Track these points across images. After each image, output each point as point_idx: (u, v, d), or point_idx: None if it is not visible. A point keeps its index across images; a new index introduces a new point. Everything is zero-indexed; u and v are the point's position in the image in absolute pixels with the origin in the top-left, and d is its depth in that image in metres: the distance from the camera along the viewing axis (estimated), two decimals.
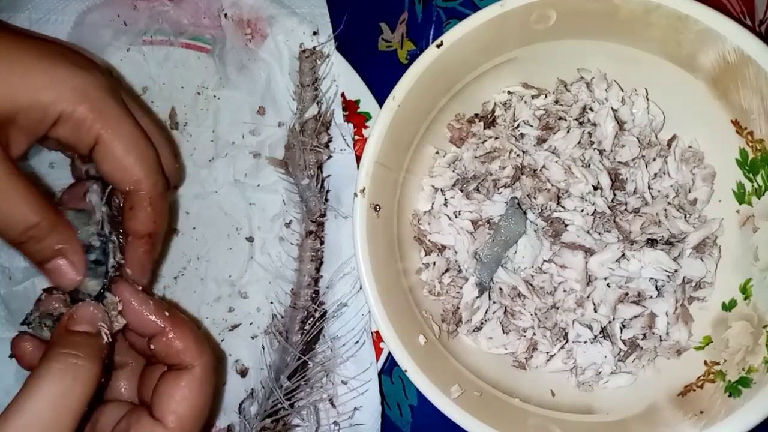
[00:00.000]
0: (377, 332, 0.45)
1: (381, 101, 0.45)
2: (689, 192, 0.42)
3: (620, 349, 0.40)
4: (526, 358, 0.42)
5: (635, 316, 0.40)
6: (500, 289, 0.42)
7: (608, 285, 0.40)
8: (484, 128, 0.44)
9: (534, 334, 0.42)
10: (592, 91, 0.43)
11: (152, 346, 0.37)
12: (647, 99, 0.42)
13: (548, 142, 0.42)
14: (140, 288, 0.38)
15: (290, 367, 0.45)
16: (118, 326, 0.37)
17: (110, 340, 0.36)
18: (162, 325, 0.37)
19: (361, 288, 0.39)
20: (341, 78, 0.48)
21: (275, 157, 0.48)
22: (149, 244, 0.41)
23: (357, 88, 0.48)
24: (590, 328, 0.40)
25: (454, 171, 0.44)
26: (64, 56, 0.37)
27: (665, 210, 0.41)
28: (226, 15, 0.49)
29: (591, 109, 0.43)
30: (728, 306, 0.40)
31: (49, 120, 0.36)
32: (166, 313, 0.37)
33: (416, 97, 0.39)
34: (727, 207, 0.41)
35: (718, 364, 0.38)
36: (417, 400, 0.47)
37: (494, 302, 0.42)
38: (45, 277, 0.38)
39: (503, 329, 0.42)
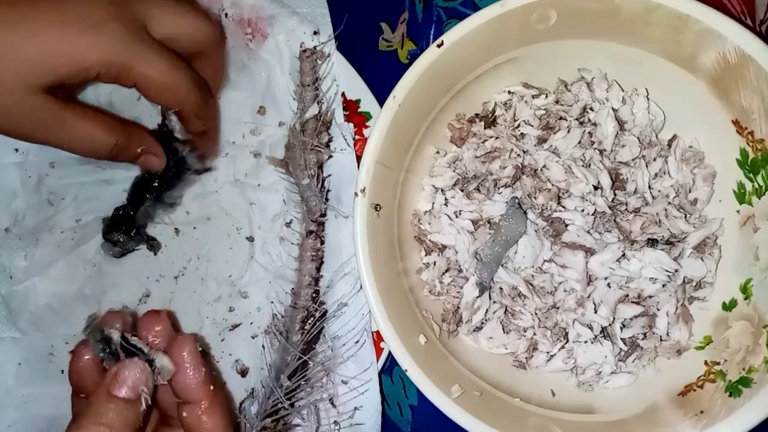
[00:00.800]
0: (377, 332, 0.45)
1: (381, 101, 0.45)
2: (690, 192, 0.42)
3: (620, 349, 0.40)
4: (526, 358, 0.42)
5: (635, 316, 0.40)
6: (500, 288, 0.42)
7: (608, 285, 0.40)
8: (485, 128, 0.44)
9: (534, 334, 0.42)
10: (592, 91, 0.43)
11: (184, 414, 0.37)
12: (648, 99, 0.42)
13: (549, 141, 0.42)
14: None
15: (290, 367, 0.45)
16: (160, 382, 0.36)
17: (148, 405, 0.35)
18: (203, 398, 0.37)
19: (361, 288, 0.39)
20: (342, 78, 0.48)
21: (276, 156, 0.48)
22: (208, 138, 0.47)
23: (357, 88, 0.48)
24: (590, 327, 0.40)
25: (454, 171, 0.44)
26: (92, 7, 0.40)
27: (666, 210, 0.41)
28: (226, 15, 0.49)
29: (591, 109, 0.43)
30: (728, 306, 0.40)
31: (92, 72, 0.39)
32: (211, 387, 0.37)
33: (417, 96, 0.39)
34: (728, 207, 0.41)
35: (718, 363, 0.38)
36: (417, 399, 0.47)
37: (494, 302, 0.42)
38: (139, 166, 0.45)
39: (503, 329, 0.42)
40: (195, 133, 0.46)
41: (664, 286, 0.40)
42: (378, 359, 0.46)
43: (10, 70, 0.37)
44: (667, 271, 0.39)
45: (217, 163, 0.50)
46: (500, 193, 0.42)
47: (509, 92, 0.44)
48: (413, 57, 0.46)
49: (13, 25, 0.37)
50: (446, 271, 0.43)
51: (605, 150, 0.42)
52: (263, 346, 0.47)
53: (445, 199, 0.43)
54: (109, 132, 0.42)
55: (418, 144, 0.42)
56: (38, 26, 0.38)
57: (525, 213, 0.41)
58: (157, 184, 0.47)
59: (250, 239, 0.49)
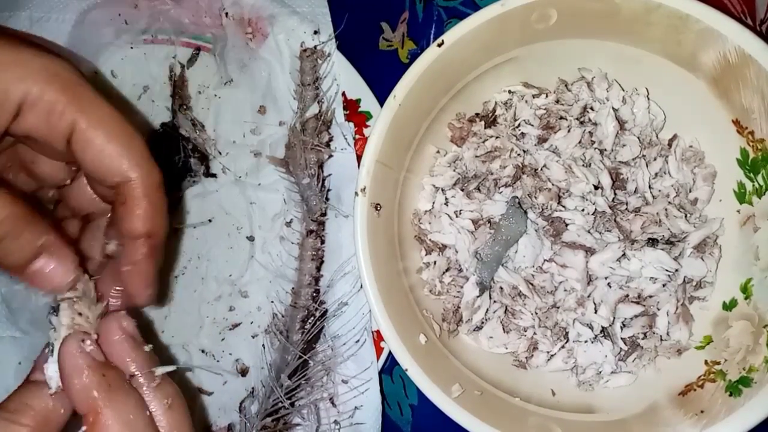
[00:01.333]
0: (378, 331, 0.45)
1: (382, 100, 0.45)
2: (690, 191, 0.42)
3: (621, 348, 0.40)
4: (526, 358, 0.42)
5: (636, 316, 0.40)
6: (501, 288, 0.42)
7: (609, 285, 0.40)
8: (485, 127, 0.44)
9: (534, 334, 0.42)
10: (592, 91, 0.43)
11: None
12: (648, 98, 0.42)
13: (549, 141, 0.42)
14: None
15: (291, 366, 0.45)
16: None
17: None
18: (84, 410, 0.30)
19: (361, 287, 0.39)
20: (342, 77, 0.48)
21: (276, 156, 0.48)
22: (149, 247, 0.34)
23: (358, 88, 0.48)
24: (591, 327, 0.40)
25: (454, 170, 0.44)
26: (27, 40, 0.33)
27: (666, 209, 0.41)
28: (227, 14, 0.49)
29: (592, 109, 0.43)
30: (729, 305, 0.40)
31: (11, 106, 0.31)
32: (95, 394, 0.30)
33: (417, 96, 0.39)
34: (728, 206, 0.41)
35: (718, 363, 0.38)
36: (417, 399, 0.47)
37: (495, 301, 0.42)
38: (29, 286, 0.33)
39: (504, 328, 0.42)
40: (132, 234, 0.34)
41: (664, 285, 0.40)
42: (378, 359, 0.46)
43: None
44: (667, 270, 0.39)
45: (218, 166, 0.50)
46: (500, 193, 0.42)
47: (509, 92, 0.44)
48: (414, 56, 0.46)
49: None
50: (446, 270, 0.43)
51: (605, 149, 0.42)
52: (263, 346, 0.47)
53: (446, 198, 0.43)
54: (2, 200, 0.31)
55: (418, 143, 0.42)
56: None
57: (525, 212, 0.41)
58: None
59: (251, 238, 0.49)
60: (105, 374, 0.30)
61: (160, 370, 0.32)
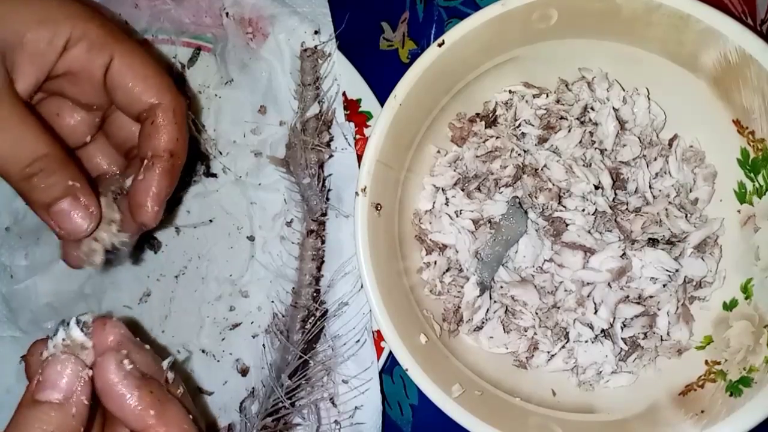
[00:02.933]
0: (378, 331, 0.45)
1: (382, 100, 0.45)
2: (690, 191, 0.42)
3: (621, 348, 0.40)
4: (527, 358, 0.42)
5: (636, 316, 0.40)
6: (501, 288, 0.42)
7: (609, 285, 0.40)
8: (486, 127, 0.44)
9: (535, 334, 0.42)
10: (593, 91, 0.43)
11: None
12: (648, 98, 0.42)
13: (549, 141, 0.42)
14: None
15: (291, 366, 0.45)
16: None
17: (90, 403, 0.30)
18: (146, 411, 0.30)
19: (362, 287, 0.39)
20: (342, 77, 0.48)
21: (276, 156, 0.48)
22: (169, 164, 0.37)
23: (358, 87, 0.48)
24: (591, 327, 0.40)
25: (455, 170, 0.44)
26: None
27: (666, 209, 0.41)
28: (227, 14, 0.49)
29: (592, 109, 0.43)
30: (729, 305, 0.40)
31: (61, 41, 0.34)
32: (152, 412, 0.30)
33: (417, 96, 0.39)
34: (728, 206, 0.40)
35: (719, 363, 0.38)
36: (418, 399, 0.47)
37: (495, 301, 0.42)
38: (50, 223, 0.34)
39: (504, 328, 0.42)
40: (157, 151, 0.37)
41: (664, 285, 0.40)
42: (378, 358, 0.46)
43: None
44: (667, 270, 0.39)
45: (219, 166, 0.50)
46: (501, 193, 0.42)
47: (510, 92, 0.44)
48: (414, 56, 0.46)
49: None
50: (447, 270, 0.43)
51: (606, 149, 0.42)
52: (264, 346, 0.47)
53: (446, 198, 0.43)
54: (41, 138, 0.33)
55: (418, 143, 0.42)
56: None
57: (525, 212, 0.41)
58: None
59: (251, 238, 0.49)
60: (152, 391, 0.30)
61: (166, 364, 0.33)
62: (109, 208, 0.37)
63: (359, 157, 0.47)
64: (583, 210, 0.40)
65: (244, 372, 0.48)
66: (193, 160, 0.50)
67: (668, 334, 0.40)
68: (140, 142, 0.38)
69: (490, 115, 0.44)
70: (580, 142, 0.42)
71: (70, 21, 0.34)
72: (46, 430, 0.28)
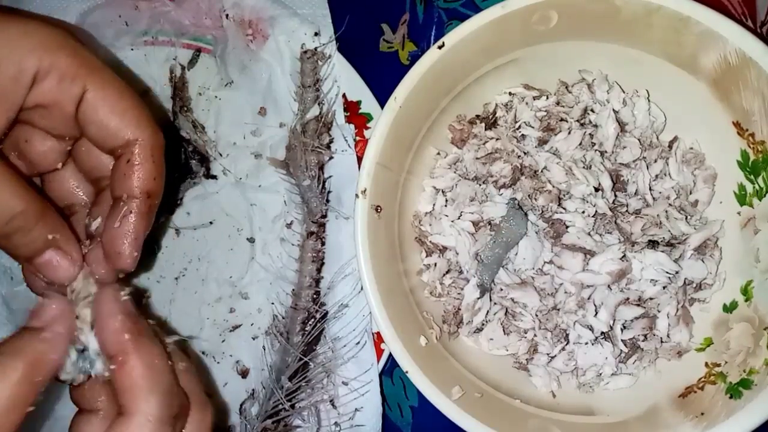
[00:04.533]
0: (378, 333, 0.45)
1: (382, 102, 0.45)
2: (690, 193, 0.42)
3: (621, 350, 0.40)
4: (527, 360, 0.42)
5: (636, 318, 0.40)
6: (501, 290, 0.42)
7: (609, 287, 0.40)
8: (486, 129, 0.44)
9: (535, 336, 0.42)
10: (593, 93, 0.43)
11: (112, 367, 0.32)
12: (648, 100, 0.42)
13: (549, 143, 0.42)
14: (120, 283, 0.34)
15: (291, 368, 0.45)
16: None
17: (62, 332, 0.32)
18: (116, 351, 0.32)
19: (362, 289, 0.39)
20: (342, 79, 0.48)
21: (276, 157, 0.48)
22: (146, 206, 0.35)
23: (358, 89, 0.48)
24: (591, 329, 0.40)
25: (455, 172, 0.44)
26: (34, 16, 0.34)
27: (666, 211, 0.41)
28: (227, 15, 0.49)
29: (592, 111, 0.43)
30: (729, 307, 0.40)
31: (27, 77, 0.32)
32: (127, 337, 0.32)
33: (418, 98, 0.39)
34: (729, 208, 0.41)
35: (718, 365, 0.38)
36: (418, 401, 0.47)
37: (495, 303, 0.42)
38: (34, 275, 0.35)
39: (504, 330, 0.42)
40: (133, 193, 0.35)
41: (664, 287, 0.40)
42: (378, 360, 0.46)
43: None
44: (667, 272, 0.39)
45: (219, 168, 0.50)
46: (500, 195, 0.42)
47: (510, 93, 0.44)
48: (414, 58, 0.46)
49: None
50: (447, 272, 0.43)
51: (606, 151, 0.42)
52: (264, 348, 0.47)
53: (446, 200, 0.43)
54: (17, 193, 0.32)
55: (418, 145, 0.42)
56: None
57: (525, 214, 0.41)
58: None
59: (251, 240, 0.49)
60: (136, 323, 0.33)
61: (171, 339, 0.35)
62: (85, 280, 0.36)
63: (359, 159, 0.47)
64: (583, 212, 0.40)
65: (244, 374, 0.48)
66: (188, 165, 0.50)
67: (668, 336, 0.40)
68: (114, 180, 0.35)
69: (490, 116, 0.44)
70: (580, 144, 0.42)
71: (35, 53, 0.32)
72: (18, 347, 0.30)
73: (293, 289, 0.47)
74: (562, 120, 0.43)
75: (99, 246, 0.36)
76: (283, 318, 0.47)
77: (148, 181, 0.35)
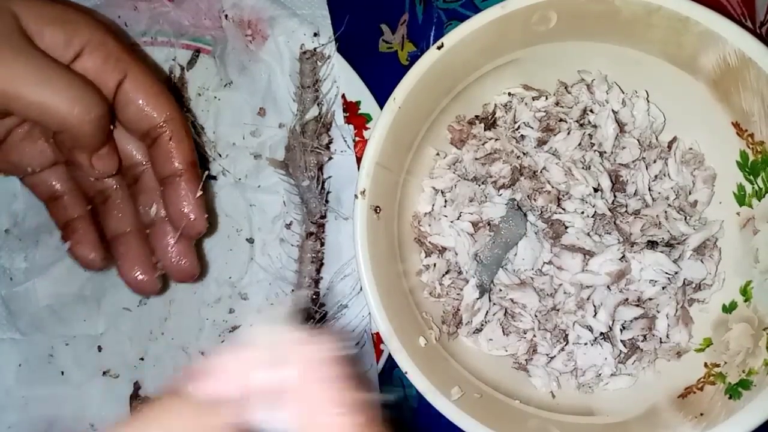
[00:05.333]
0: (377, 334, 0.45)
1: (381, 103, 0.45)
2: (690, 194, 0.42)
3: (620, 350, 0.40)
4: (526, 360, 0.42)
5: (635, 318, 0.40)
6: (500, 290, 0.42)
7: (608, 287, 0.40)
8: (485, 130, 0.44)
9: (534, 336, 0.42)
10: (592, 93, 0.43)
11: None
12: (648, 101, 0.42)
13: (549, 143, 0.42)
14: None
15: None
16: None
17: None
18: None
19: (361, 289, 0.39)
20: (342, 79, 0.48)
21: (276, 158, 0.48)
22: (194, 173, 0.40)
23: (358, 90, 0.48)
24: (590, 329, 0.40)
25: (454, 172, 0.44)
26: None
27: (665, 212, 0.41)
28: (226, 16, 0.49)
29: (591, 111, 0.43)
30: (728, 308, 0.40)
31: (78, 44, 0.35)
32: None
33: (417, 98, 0.39)
34: (728, 209, 0.40)
35: (718, 366, 0.38)
36: (417, 401, 0.47)
37: (494, 304, 0.42)
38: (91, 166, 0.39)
39: (503, 331, 0.42)
40: (183, 162, 0.40)
41: (663, 288, 0.40)
42: (378, 361, 0.46)
43: None
44: (666, 273, 0.39)
45: (218, 168, 0.50)
46: (500, 195, 0.42)
47: (509, 94, 0.44)
48: (413, 59, 0.46)
49: None
50: (446, 272, 0.43)
51: (605, 152, 0.42)
52: None
53: (445, 200, 0.43)
54: (94, 97, 0.36)
55: (418, 146, 0.42)
56: None
57: (525, 215, 0.41)
58: None
59: (250, 241, 0.49)
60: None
61: None
62: None
63: (358, 160, 0.47)
64: (583, 212, 0.40)
65: None
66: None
67: (667, 336, 0.40)
68: (159, 160, 0.40)
69: (490, 117, 0.44)
70: (580, 144, 0.42)
71: (89, 29, 0.35)
72: None
73: (292, 290, 0.47)
74: (561, 120, 0.43)
75: (162, 228, 0.41)
76: None
77: (192, 152, 0.41)
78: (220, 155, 0.50)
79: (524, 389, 0.41)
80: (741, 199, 0.40)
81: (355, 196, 0.39)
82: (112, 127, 0.39)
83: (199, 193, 0.40)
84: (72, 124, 0.35)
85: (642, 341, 0.41)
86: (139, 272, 0.41)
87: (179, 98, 0.50)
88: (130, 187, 0.43)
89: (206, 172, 0.49)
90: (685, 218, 0.41)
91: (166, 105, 0.39)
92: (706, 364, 0.39)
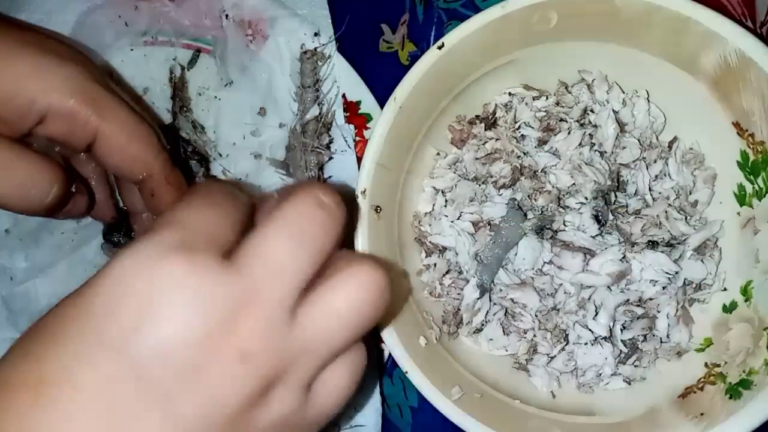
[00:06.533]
0: None
1: (382, 102, 0.45)
2: (690, 194, 0.42)
3: (621, 350, 0.40)
4: (526, 360, 0.42)
5: (636, 318, 0.40)
6: (501, 290, 0.42)
7: (609, 288, 0.40)
8: (485, 130, 0.44)
9: (534, 336, 0.42)
10: (593, 93, 0.43)
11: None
12: (648, 101, 0.42)
13: (549, 143, 0.42)
14: None
15: None
16: None
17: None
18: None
19: None
20: (342, 79, 0.48)
21: (276, 158, 0.48)
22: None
23: (358, 90, 0.48)
24: (591, 329, 0.40)
25: (455, 172, 0.44)
26: (49, 45, 0.35)
27: (666, 212, 0.41)
28: (227, 16, 0.49)
29: (592, 111, 0.43)
30: (729, 308, 0.40)
31: (35, 114, 0.33)
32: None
33: (417, 98, 0.39)
34: (728, 209, 0.41)
35: (718, 366, 0.38)
36: (417, 401, 0.47)
37: (495, 304, 0.42)
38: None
39: (504, 331, 0.42)
40: (157, 207, 0.40)
41: (664, 288, 0.40)
42: None
43: None
44: (667, 273, 0.39)
45: (219, 168, 0.50)
46: (500, 195, 0.42)
47: (510, 94, 0.44)
48: (414, 58, 0.46)
49: None
50: (447, 272, 0.43)
51: (605, 152, 0.42)
52: None
53: (446, 200, 0.43)
54: (47, 177, 0.34)
55: (418, 145, 0.42)
56: None
57: (525, 215, 0.41)
58: None
59: None
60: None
61: None
62: None
63: (359, 160, 0.47)
64: (583, 212, 0.40)
65: None
66: (187, 165, 0.50)
67: (668, 336, 0.40)
68: (145, 201, 0.40)
69: (490, 117, 0.44)
70: (580, 144, 0.42)
71: (47, 96, 0.32)
72: None
73: None
74: (561, 120, 0.43)
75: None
76: None
77: (174, 202, 0.38)
78: (220, 155, 0.50)
79: (524, 389, 0.41)
80: (741, 199, 0.40)
81: (356, 195, 0.39)
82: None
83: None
84: (33, 210, 0.34)
85: (642, 341, 0.41)
86: None
87: (180, 98, 0.50)
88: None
89: (201, 170, 0.50)
90: (686, 218, 0.41)
91: (140, 166, 0.37)
92: (706, 364, 0.39)
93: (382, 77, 0.47)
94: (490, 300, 0.42)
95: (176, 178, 0.39)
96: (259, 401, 0.25)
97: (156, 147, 0.37)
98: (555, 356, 0.41)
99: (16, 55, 0.32)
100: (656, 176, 0.42)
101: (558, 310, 0.41)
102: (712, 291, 0.41)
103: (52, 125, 0.33)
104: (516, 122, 0.43)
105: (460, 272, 0.43)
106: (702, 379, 0.38)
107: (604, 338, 0.40)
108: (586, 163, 0.41)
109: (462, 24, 0.38)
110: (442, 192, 0.44)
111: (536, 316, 0.41)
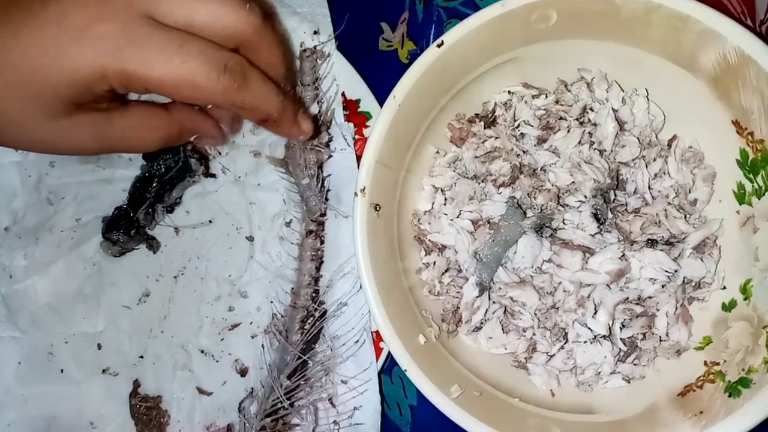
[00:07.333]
0: (377, 332, 0.45)
1: (381, 101, 0.45)
2: (689, 192, 0.42)
3: (620, 349, 0.40)
4: (525, 358, 0.42)
5: (635, 316, 0.40)
6: (500, 288, 0.42)
7: (608, 286, 0.40)
8: (485, 128, 0.44)
9: (534, 334, 0.42)
10: (592, 91, 0.43)
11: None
12: (648, 99, 0.42)
13: (548, 142, 0.42)
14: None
15: (290, 367, 0.45)
16: None
17: None
18: None
19: (361, 287, 0.39)
20: (342, 77, 0.48)
21: (275, 156, 0.48)
22: (285, 67, 0.41)
23: (357, 88, 0.48)
24: (590, 328, 0.40)
25: (454, 170, 0.44)
26: (66, 20, 0.36)
27: (665, 210, 0.41)
28: None
29: (591, 109, 0.43)
30: (728, 306, 0.40)
31: (102, 91, 0.35)
32: None
33: (417, 96, 0.39)
34: (728, 207, 0.41)
35: (717, 364, 0.38)
36: (417, 399, 0.47)
37: (494, 302, 0.42)
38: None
39: (503, 329, 0.42)
40: (274, 63, 0.40)
41: (663, 286, 0.40)
42: (377, 359, 0.46)
43: (14, 103, 0.35)
44: (666, 271, 0.39)
45: (218, 166, 0.50)
46: (499, 193, 0.42)
47: (509, 92, 0.44)
48: (413, 57, 0.46)
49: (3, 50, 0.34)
50: (446, 271, 0.43)
51: (605, 150, 0.42)
52: (263, 346, 0.47)
53: (445, 198, 0.43)
54: (155, 129, 0.41)
55: (418, 144, 0.42)
56: (24, 48, 0.34)
57: (524, 213, 0.41)
58: (157, 185, 0.47)
59: (250, 239, 0.49)
60: None
61: None
62: None
63: (358, 158, 0.47)
64: (582, 211, 0.40)
65: (243, 372, 0.48)
66: (187, 163, 0.50)
67: (667, 334, 0.40)
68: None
69: (489, 115, 0.44)
70: (579, 142, 0.42)
71: (84, 70, 0.34)
72: None
73: (292, 288, 0.47)
74: (561, 119, 0.43)
75: None
76: (282, 316, 0.47)
77: (280, 52, 0.40)
78: (219, 153, 0.50)
79: (524, 387, 0.41)
80: (741, 197, 0.40)
81: (355, 194, 0.39)
82: None
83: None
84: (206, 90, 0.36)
85: (641, 340, 0.41)
86: None
87: None
88: None
89: (200, 168, 0.50)
90: (685, 216, 0.41)
91: (232, 34, 0.38)
92: (705, 363, 0.39)
93: (382, 75, 0.47)
94: (490, 298, 0.42)
95: (250, 94, 0.38)
96: None
97: (206, 74, 0.37)
98: (554, 354, 0.41)
99: (51, 38, 0.34)
100: (655, 174, 0.42)
101: (557, 308, 0.41)
102: (711, 289, 0.41)
103: (112, 85, 0.36)
104: (515, 120, 0.43)
105: (460, 270, 0.43)
106: (701, 378, 0.38)
107: (604, 336, 0.40)
108: (585, 162, 0.41)
109: (461, 22, 0.38)
110: (442, 190, 0.44)
111: (535, 314, 0.41)
